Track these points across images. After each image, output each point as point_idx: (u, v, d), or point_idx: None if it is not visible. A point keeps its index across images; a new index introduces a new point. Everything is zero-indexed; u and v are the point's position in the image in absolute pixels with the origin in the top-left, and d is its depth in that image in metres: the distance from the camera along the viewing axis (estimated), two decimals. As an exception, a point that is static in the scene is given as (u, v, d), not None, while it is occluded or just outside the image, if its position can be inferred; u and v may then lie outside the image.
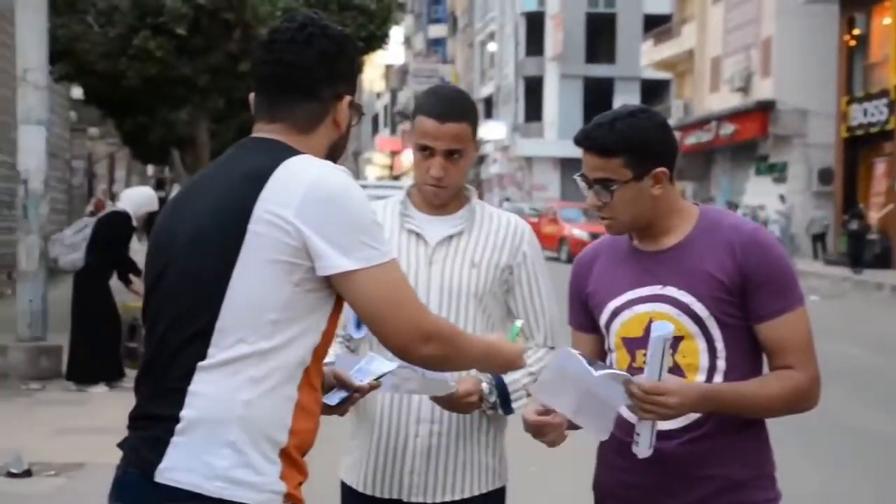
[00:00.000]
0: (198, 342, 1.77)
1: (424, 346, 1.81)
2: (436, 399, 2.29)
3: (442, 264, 2.39)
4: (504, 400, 2.36)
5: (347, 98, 1.91)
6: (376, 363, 2.13)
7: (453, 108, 2.35)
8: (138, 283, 8.20)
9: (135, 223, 8.26)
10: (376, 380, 2.11)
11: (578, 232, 24.47)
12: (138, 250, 8.21)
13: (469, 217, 2.43)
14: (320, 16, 1.93)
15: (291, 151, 1.85)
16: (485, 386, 2.32)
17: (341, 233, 1.77)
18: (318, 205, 1.76)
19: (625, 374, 2.04)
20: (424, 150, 2.35)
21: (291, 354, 1.79)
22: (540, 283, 2.45)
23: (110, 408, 7.28)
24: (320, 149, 1.89)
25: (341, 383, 2.11)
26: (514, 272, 2.42)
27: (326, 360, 2.28)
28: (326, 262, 1.76)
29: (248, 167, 1.83)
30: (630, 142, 2.12)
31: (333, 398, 2.07)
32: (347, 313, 2.40)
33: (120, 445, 1.83)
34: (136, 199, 8.41)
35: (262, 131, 1.90)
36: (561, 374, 2.04)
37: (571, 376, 2.02)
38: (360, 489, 2.41)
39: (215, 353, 1.76)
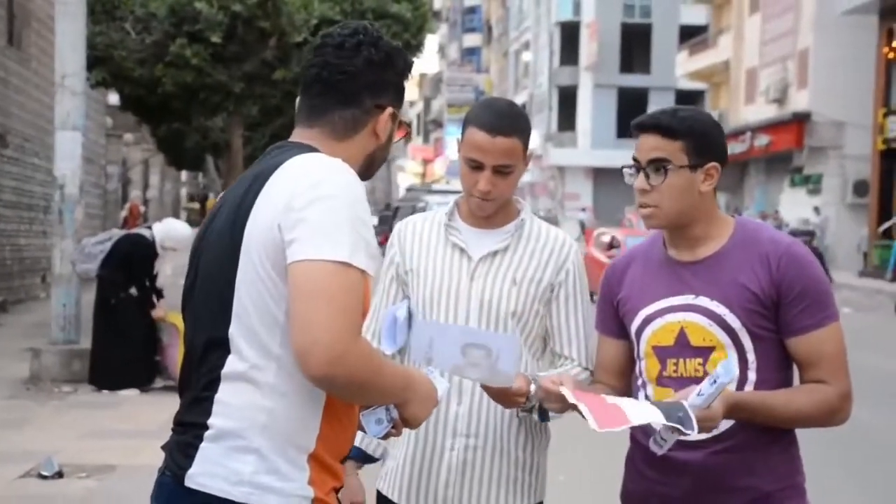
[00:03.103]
0: (218, 350, 1.78)
1: (330, 366, 1.65)
2: (486, 387, 2.22)
3: (483, 280, 2.35)
4: (543, 406, 2.31)
5: (389, 110, 1.89)
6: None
7: (505, 122, 2.29)
8: (159, 308, 8.25)
9: (159, 251, 8.22)
10: None
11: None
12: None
13: (516, 232, 2.39)
14: (375, 27, 1.92)
15: (309, 150, 1.83)
16: (532, 387, 2.26)
17: (315, 225, 1.69)
18: (303, 191, 1.72)
19: (684, 404, 2.00)
20: (473, 164, 2.32)
21: None
22: (578, 303, 2.40)
23: (141, 411, 7.34)
24: (355, 157, 1.87)
25: None
26: (554, 290, 2.38)
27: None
28: (288, 250, 1.70)
29: (261, 167, 1.84)
30: (693, 129, 2.15)
31: (375, 427, 2.01)
32: (380, 326, 2.39)
33: (163, 447, 1.87)
34: (168, 231, 8.30)
35: (298, 136, 1.89)
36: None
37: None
38: (395, 499, 2.40)
39: (235, 361, 1.77)
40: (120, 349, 8.08)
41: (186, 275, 1.91)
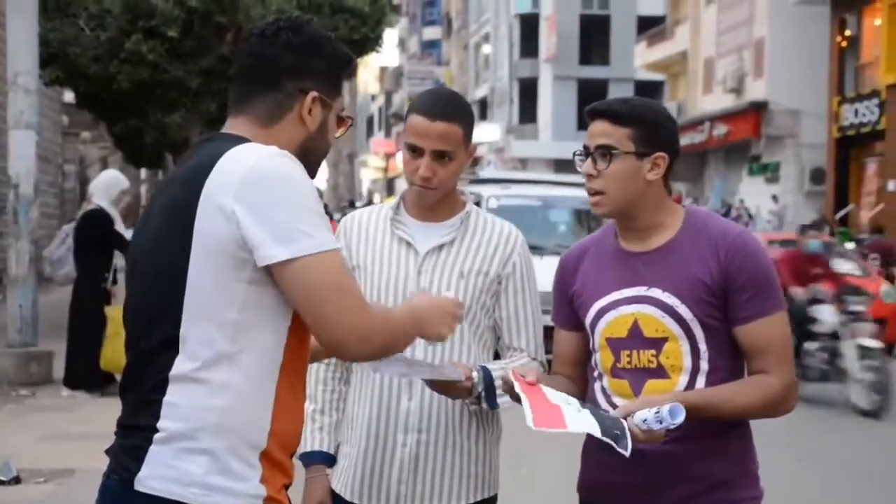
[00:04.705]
0: (166, 352, 1.76)
1: (360, 346, 1.78)
2: (430, 381, 2.24)
3: (431, 274, 2.36)
4: (489, 393, 2.31)
5: (313, 94, 1.88)
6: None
7: (445, 108, 2.31)
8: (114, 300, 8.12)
9: (112, 212, 8.08)
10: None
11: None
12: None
13: (462, 225, 2.40)
14: (303, 17, 1.93)
15: (243, 142, 1.82)
16: (475, 374, 2.27)
17: (277, 219, 1.73)
18: (256, 187, 1.73)
19: (624, 422, 2.05)
20: (413, 149, 2.32)
21: (260, 355, 1.77)
22: (527, 294, 2.41)
23: (100, 414, 7.25)
24: (286, 146, 1.85)
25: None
26: (502, 282, 2.39)
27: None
28: (262, 252, 1.72)
29: (195, 162, 1.82)
30: (642, 117, 2.18)
31: None
32: None
33: (107, 451, 1.84)
34: (104, 186, 8.25)
35: (228, 127, 1.90)
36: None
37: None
38: (348, 497, 2.39)
39: (184, 362, 1.75)
40: (91, 348, 8.00)
41: (126, 281, 1.89)
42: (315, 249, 1.73)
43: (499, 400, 2.32)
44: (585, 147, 2.22)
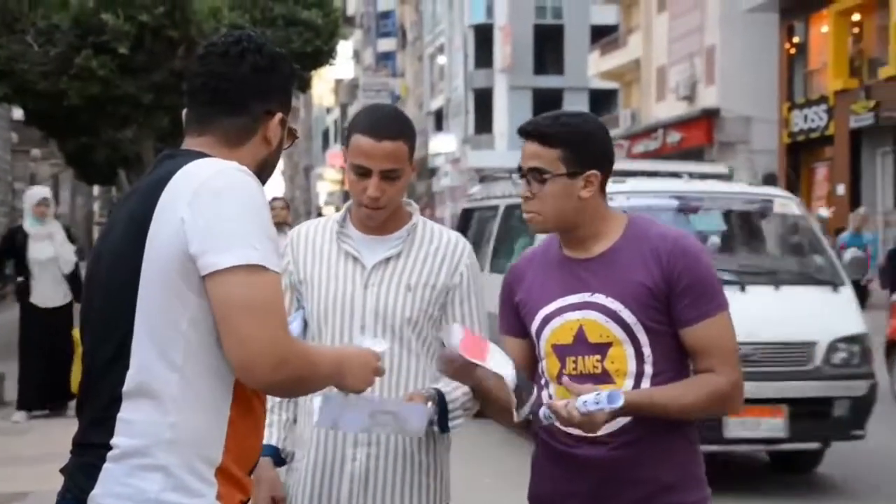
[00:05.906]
0: (118, 366, 1.75)
1: (270, 372, 1.70)
2: None
3: (378, 288, 2.35)
4: (441, 417, 2.32)
5: (278, 116, 1.89)
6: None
7: (390, 126, 2.30)
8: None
9: (31, 228, 8.03)
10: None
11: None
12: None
13: (408, 237, 2.39)
14: (258, 34, 1.92)
15: (202, 157, 1.82)
16: (429, 406, 2.27)
17: (225, 229, 1.71)
18: (209, 197, 1.72)
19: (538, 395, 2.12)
20: (360, 170, 2.31)
21: (211, 369, 1.76)
22: (473, 305, 2.40)
23: (52, 435, 7.14)
24: (248, 164, 1.85)
25: None
26: (449, 293, 2.38)
27: None
28: (203, 260, 1.71)
29: (155, 175, 1.82)
30: (571, 136, 2.18)
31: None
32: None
33: (62, 471, 1.82)
34: (27, 201, 8.32)
35: (188, 145, 1.88)
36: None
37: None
38: None
39: (136, 376, 1.74)
40: (26, 365, 7.91)
41: (82, 296, 1.89)
42: (255, 261, 1.71)
43: (451, 423, 2.34)
44: (520, 167, 2.23)
